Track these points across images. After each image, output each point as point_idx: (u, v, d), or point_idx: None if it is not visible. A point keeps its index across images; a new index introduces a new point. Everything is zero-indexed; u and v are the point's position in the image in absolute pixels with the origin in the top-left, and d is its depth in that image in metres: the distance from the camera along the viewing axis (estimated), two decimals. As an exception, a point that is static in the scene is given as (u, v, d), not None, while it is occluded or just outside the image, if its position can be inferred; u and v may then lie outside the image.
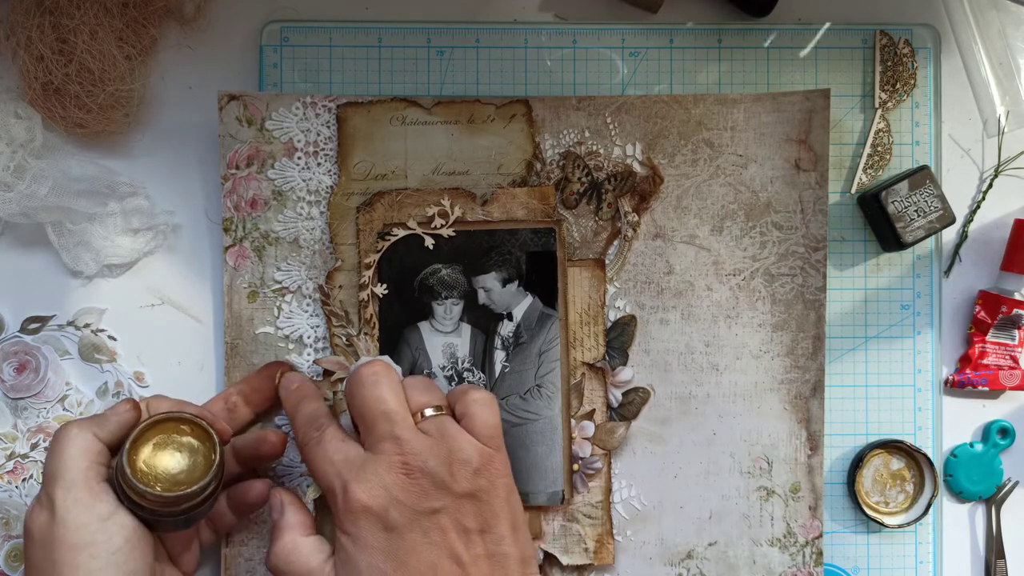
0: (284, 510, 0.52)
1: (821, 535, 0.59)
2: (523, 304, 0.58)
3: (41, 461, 0.59)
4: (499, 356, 0.58)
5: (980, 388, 0.62)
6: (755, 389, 0.59)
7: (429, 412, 0.49)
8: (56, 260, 0.59)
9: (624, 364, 0.59)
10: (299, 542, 0.50)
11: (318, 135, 0.58)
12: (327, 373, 0.58)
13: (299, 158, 0.58)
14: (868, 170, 0.62)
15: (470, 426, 0.49)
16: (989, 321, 0.62)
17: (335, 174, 0.58)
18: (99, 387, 0.60)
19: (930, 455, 0.61)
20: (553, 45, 0.61)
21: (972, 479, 0.62)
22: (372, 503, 0.47)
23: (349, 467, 0.48)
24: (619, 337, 0.59)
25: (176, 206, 0.60)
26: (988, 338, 0.62)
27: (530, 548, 0.50)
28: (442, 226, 0.58)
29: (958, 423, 0.63)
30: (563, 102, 0.59)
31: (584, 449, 0.58)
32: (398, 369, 0.52)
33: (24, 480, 0.59)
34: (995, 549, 0.62)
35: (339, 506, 0.48)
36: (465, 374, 0.58)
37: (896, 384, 0.62)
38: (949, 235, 0.63)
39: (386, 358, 0.57)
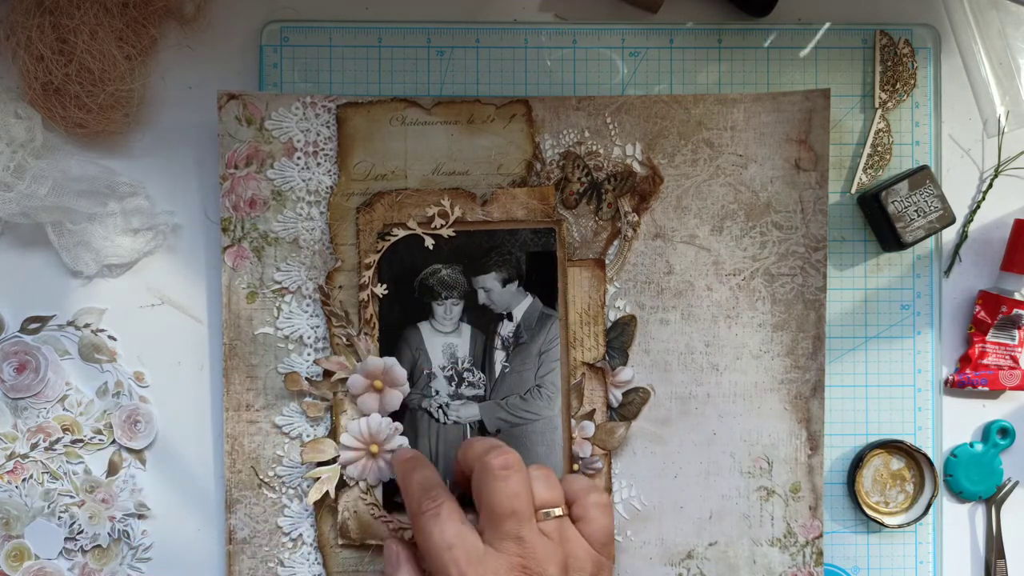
0: (399, 566, 0.52)
1: (821, 535, 0.59)
2: (523, 304, 0.58)
3: (42, 461, 0.59)
4: (499, 356, 0.58)
5: (980, 388, 0.62)
6: (755, 389, 0.59)
7: (555, 511, 0.49)
8: (56, 260, 0.59)
9: (624, 364, 0.59)
10: None
11: (318, 135, 0.58)
12: (327, 373, 0.58)
13: (299, 158, 0.58)
14: (868, 170, 0.62)
15: (587, 530, 0.49)
16: (989, 321, 0.62)
17: (335, 174, 0.58)
18: (99, 387, 0.60)
19: (930, 455, 0.61)
20: (553, 45, 0.61)
21: (972, 479, 0.62)
22: None
23: (468, 559, 0.47)
24: (619, 337, 0.59)
25: (176, 206, 0.60)
26: (988, 338, 0.62)
27: None
28: (442, 226, 0.58)
29: (958, 423, 0.63)
30: (563, 102, 0.59)
31: (584, 449, 0.58)
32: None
33: (24, 480, 0.59)
34: (995, 549, 0.62)
35: None
36: (465, 374, 0.58)
37: (896, 384, 0.62)
38: (949, 235, 0.63)
39: (391, 360, 0.57)
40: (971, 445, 0.62)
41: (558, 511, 0.49)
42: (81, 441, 0.59)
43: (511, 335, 0.58)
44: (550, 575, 0.47)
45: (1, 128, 0.56)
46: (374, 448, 0.57)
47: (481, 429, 0.58)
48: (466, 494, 0.52)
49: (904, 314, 0.62)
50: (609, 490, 0.58)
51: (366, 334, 0.57)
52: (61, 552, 0.59)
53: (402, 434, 0.57)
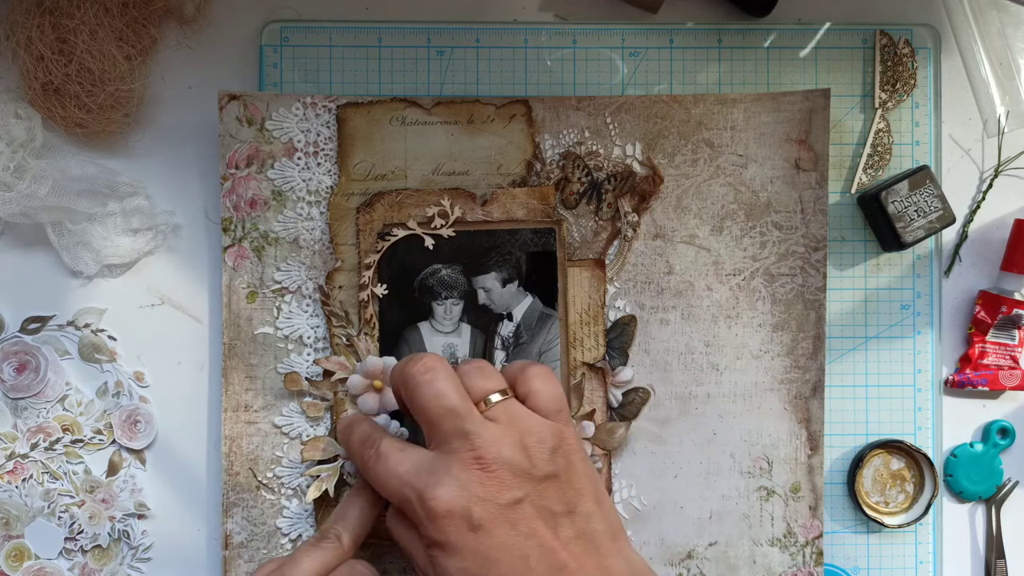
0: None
1: (821, 535, 0.59)
2: (523, 304, 0.58)
3: (42, 461, 0.59)
4: (499, 356, 0.58)
5: (980, 388, 0.62)
6: (755, 389, 0.59)
7: (495, 398, 0.47)
8: (56, 260, 0.59)
9: (624, 364, 0.59)
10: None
11: (318, 135, 0.58)
12: (327, 373, 0.58)
13: (299, 158, 0.58)
14: (868, 170, 0.62)
15: (535, 404, 0.48)
16: (989, 321, 0.62)
17: (335, 174, 0.58)
18: (99, 387, 0.60)
19: (930, 455, 0.61)
20: (553, 45, 0.61)
21: (972, 479, 0.62)
22: (453, 505, 0.45)
23: (418, 474, 0.46)
24: (619, 337, 0.59)
25: (176, 206, 0.60)
26: (988, 338, 0.62)
27: (616, 519, 0.48)
28: (442, 226, 0.58)
29: (958, 423, 0.63)
30: (563, 102, 0.59)
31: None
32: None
33: (24, 480, 0.59)
34: (995, 549, 0.62)
35: (419, 516, 0.45)
36: (465, 374, 0.58)
37: (896, 384, 0.62)
38: (949, 235, 0.63)
39: (391, 359, 0.57)
40: (971, 445, 0.62)
41: (497, 396, 0.47)
42: (81, 441, 0.59)
43: (511, 335, 0.58)
44: (506, 456, 0.45)
45: (1, 128, 0.56)
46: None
47: (481, 429, 0.58)
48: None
49: (904, 314, 0.62)
50: (609, 490, 0.58)
51: (366, 334, 0.57)
52: (61, 552, 0.59)
53: (405, 440, 0.57)
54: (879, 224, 0.60)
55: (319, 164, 0.58)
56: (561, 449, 0.47)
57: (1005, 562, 0.62)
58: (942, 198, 0.59)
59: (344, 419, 0.55)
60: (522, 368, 0.49)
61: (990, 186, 0.63)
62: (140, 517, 0.60)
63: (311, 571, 0.47)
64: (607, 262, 0.59)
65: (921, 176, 0.59)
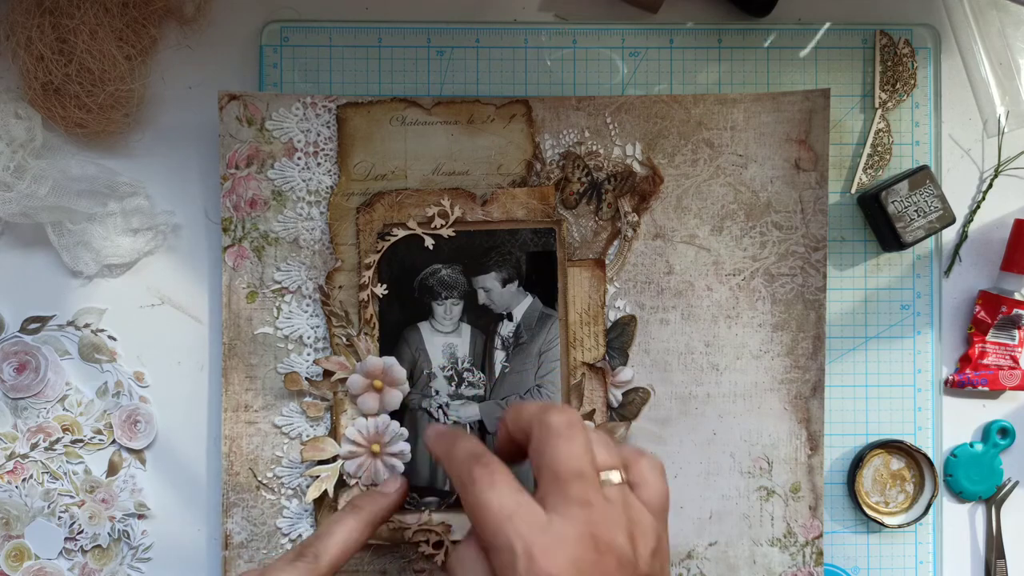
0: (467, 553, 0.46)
1: (821, 535, 0.59)
2: (523, 304, 0.58)
3: (42, 461, 0.59)
4: (499, 356, 0.58)
5: (980, 388, 0.62)
6: (755, 389, 0.59)
7: (613, 478, 0.44)
8: (56, 260, 0.59)
9: (624, 364, 0.59)
10: (482, 557, 0.44)
11: (318, 135, 0.58)
12: (327, 373, 0.58)
13: (299, 158, 0.58)
14: (868, 170, 0.62)
15: (645, 496, 0.45)
16: (989, 321, 0.62)
17: (335, 174, 0.58)
18: (99, 387, 0.60)
19: (930, 455, 0.61)
20: (553, 45, 0.61)
21: (972, 479, 0.62)
22: (560, 575, 0.41)
23: (532, 529, 0.42)
24: (619, 337, 0.59)
25: (176, 206, 0.60)
26: (988, 338, 0.62)
27: None
28: (442, 226, 0.58)
29: (958, 423, 0.63)
30: (563, 102, 0.59)
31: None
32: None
33: (24, 480, 0.59)
34: (995, 549, 0.62)
35: (519, 570, 0.41)
36: (465, 374, 0.58)
37: (896, 384, 0.62)
38: (949, 235, 0.63)
39: (391, 359, 0.57)
40: (971, 445, 0.62)
41: (617, 477, 0.44)
42: (81, 441, 0.59)
43: (511, 335, 0.58)
44: (619, 544, 0.42)
45: (1, 128, 0.56)
46: (375, 448, 0.57)
47: (481, 429, 0.58)
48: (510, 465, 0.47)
49: (904, 314, 0.62)
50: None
51: (366, 334, 0.57)
52: (61, 552, 0.59)
53: (405, 440, 0.57)
54: (879, 224, 0.60)
55: (319, 164, 0.58)
56: (659, 552, 0.44)
57: (1005, 562, 0.62)
58: (942, 198, 0.59)
59: (444, 427, 0.52)
60: (638, 455, 0.46)
61: (990, 186, 0.63)
62: (140, 517, 0.60)
63: None
64: (607, 262, 0.59)
65: (921, 176, 0.59)
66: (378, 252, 0.57)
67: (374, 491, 0.52)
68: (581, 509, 0.42)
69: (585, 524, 0.42)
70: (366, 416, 0.57)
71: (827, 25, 0.62)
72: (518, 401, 0.50)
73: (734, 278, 0.59)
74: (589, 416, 0.58)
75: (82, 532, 0.59)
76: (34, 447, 0.59)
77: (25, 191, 0.56)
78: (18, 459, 0.59)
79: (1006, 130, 0.62)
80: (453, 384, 0.58)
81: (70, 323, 0.60)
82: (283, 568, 0.46)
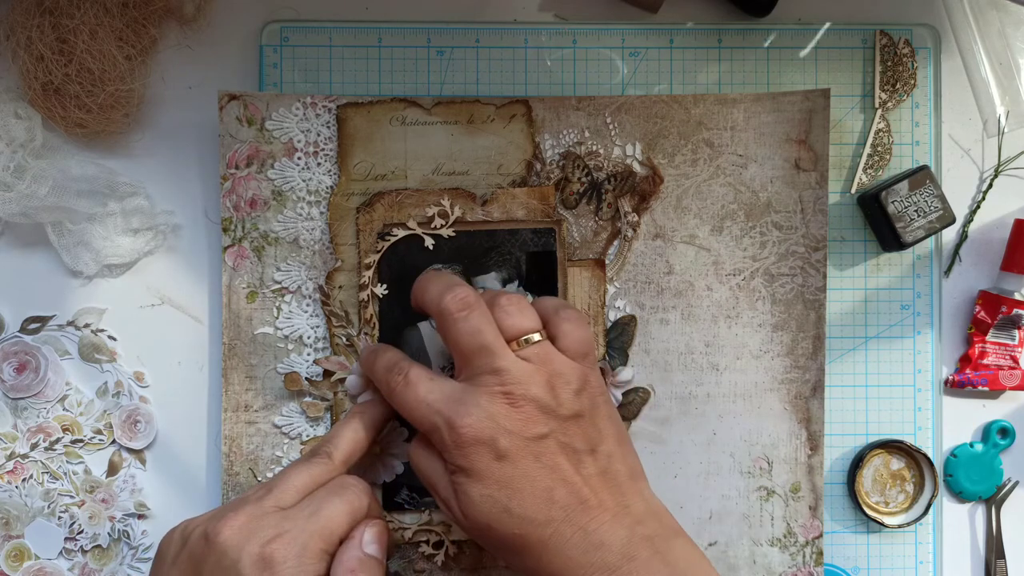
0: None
1: (821, 535, 0.59)
2: (523, 304, 0.58)
3: (42, 461, 0.59)
4: (499, 356, 0.58)
5: (980, 388, 0.62)
6: (755, 389, 0.59)
7: (533, 338, 0.49)
8: (56, 260, 0.59)
9: (624, 364, 0.59)
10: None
11: (318, 135, 0.58)
12: (327, 373, 0.58)
13: (299, 158, 0.58)
14: (868, 170, 0.62)
15: (565, 346, 0.49)
16: (989, 321, 0.62)
17: (335, 174, 0.58)
18: (99, 387, 0.60)
19: (930, 455, 0.61)
20: (553, 45, 0.61)
21: (972, 479, 0.62)
22: (481, 433, 0.46)
23: (448, 402, 0.47)
24: (619, 337, 0.59)
25: (176, 206, 0.60)
26: (988, 338, 0.62)
27: (637, 462, 0.50)
28: (442, 226, 0.58)
29: (958, 423, 0.63)
30: (563, 102, 0.59)
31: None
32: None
33: (24, 480, 0.59)
34: (995, 549, 0.62)
35: (447, 442, 0.47)
36: (465, 374, 0.58)
37: (896, 384, 0.62)
38: (949, 235, 0.63)
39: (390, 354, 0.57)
40: (971, 445, 0.62)
41: (536, 336, 0.49)
42: (81, 441, 0.59)
43: (511, 335, 0.58)
44: (534, 394, 0.47)
45: (1, 128, 0.56)
46: (375, 448, 0.57)
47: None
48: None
49: (904, 314, 0.62)
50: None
51: (366, 334, 0.57)
52: (61, 552, 0.59)
53: (405, 440, 0.57)
54: (879, 224, 0.60)
55: (319, 164, 0.58)
56: (586, 391, 0.49)
57: (1005, 562, 0.62)
58: (942, 198, 0.59)
59: (367, 347, 0.56)
60: (555, 309, 0.51)
61: (990, 186, 0.63)
62: (140, 517, 0.60)
63: (300, 486, 0.48)
64: (607, 262, 0.59)
65: (921, 176, 0.59)
66: (378, 252, 0.57)
67: (373, 399, 0.55)
68: (490, 376, 0.47)
69: (497, 385, 0.47)
70: (366, 416, 0.57)
71: (827, 25, 0.62)
72: (423, 277, 0.53)
73: (734, 278, 0.59)
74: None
75: (82, 532, 0.59)
76: (34, 447, 0.59)
77: (25, 191, 0.56)
78: (18, 459, 0.59)
79: (1006, 130, 0.62)
80: (453, 384, 0.58)
81: (70, 323, 0.60)
82: (297, 467, 0.49)
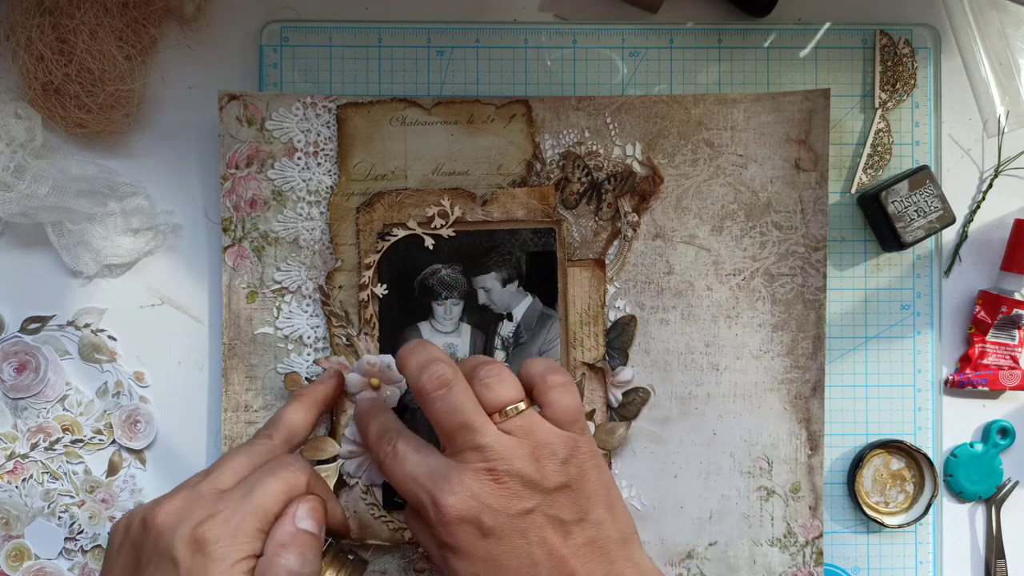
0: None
1: (821, 535, 0.59)
2: (523, 304, 0.58)
3: (42, 461, 0.59)
4: (499, 356, 0.58)
5: (980, 388, 0.62)
6: (755, 389, 0.59)
7: (516, 408, 0.48)
8: (56, 260, 0.59)
9: (624, 364, 0.59)
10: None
11: (318, 135, 0.58)
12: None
13: (299, 158, 0.58)
14: (868, 170, 0.62)
15: (552, 415, 0.48)
16: (989, 321, 0.62)
17: (335, 174, 0.58)
18: (99, 387, 0.60)
19: (930, 455, 0.61)
20: (553, 45, 0.61)
21: (972, 479, 0.62)
22: (464, 513, 0.46)
23: (433, 480, 0.47)
24: (619, 337, 0.59)
25: (176, 206, 0.60)
26: (988, 338, 0.62)
27: (629, 524, 0.49)
28: (442, 226, 0.58)
29: (958, 423, 0.63)
30: (563, 102, 0.59)
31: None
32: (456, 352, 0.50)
33: (24, 480, 0.59)
34: (995, 549, 0.62)
35: (432, 520, 0.47)
36: (465, 374, 0.58)
37: (896, 384, 0.62)
38: (949, 235, 0.63)
39: (388, 357, 0.57)
40: (971, 445, 0.62)
41: (521, 406, 0.48)
42: (81, 441, 0.59)
43: (511, 335, 0.58)
44: (517, 469, 0.46)
45: (1, 128, 0.56)
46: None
47: (481, 429, 0.58)
48: None
49: (904, 314, 0.62)
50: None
51: (366, 334, 0.57)
52: (61, 552, 0.59)
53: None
54: (879, 224, 0.60)
55: (319, 164, 0.58)
56: (574, 459, 0.48)
57: (1005, 562, 0.62)
58: (942, 198, 0.59)
59: (364, 402, 0.55)
60: (542, 376, 0.49)
61: (990, 186, 0.63)
62: (140, 517, 0.60)
63: (238, 468, 0.48)
64: (607, 262, 0.59)
65: (921, 176, 0.59)
66: (378, 252, 0.57)
67: (315, 381, 0.57)
68: (473, 452, 0.47)
69: (481, 462, 0.46)
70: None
71: (827, 25, 0.62)
72: (407, 346, 0.52)
73: (734, 278, 0.59)
74: (589, 416, 0.58)
75: (82, 532, 0.59)
76: (34, 447, 0.59)
77: (25, 191, 0.56)
78: (18, 459, 0.59)
79: (1006, 130, 0.62)
80: (453, 384, 0.58)
81: (70, 323, 0.60)
82: (241, 449, 0.50)
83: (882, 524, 0.61)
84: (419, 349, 0.51)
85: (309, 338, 0.58)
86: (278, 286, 0.58)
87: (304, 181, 0.58)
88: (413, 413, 0.58)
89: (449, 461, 0.48)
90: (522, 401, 0.49)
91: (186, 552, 0.43)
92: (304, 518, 0.46)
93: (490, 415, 0.48)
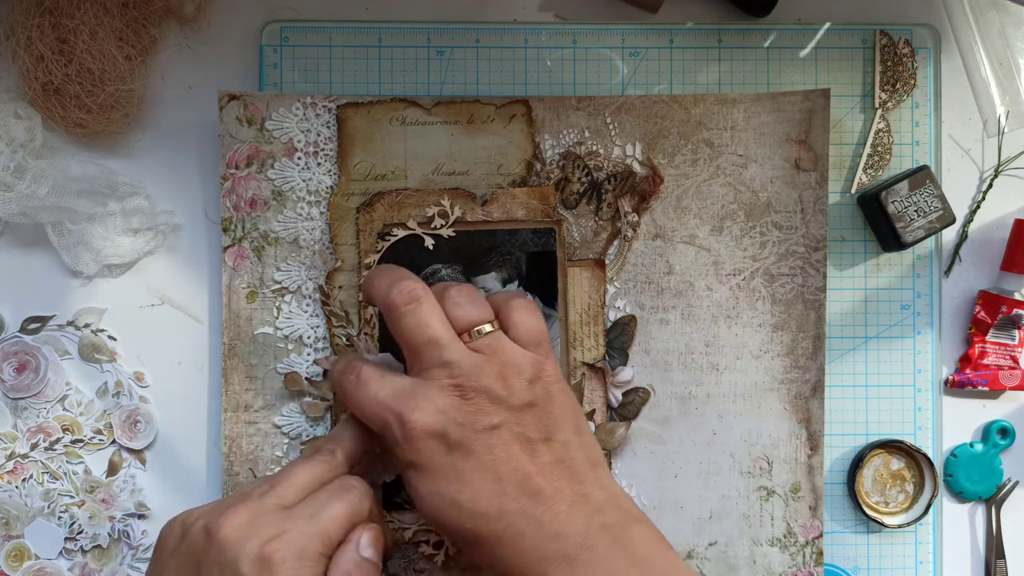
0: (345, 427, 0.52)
1: (821, 535, 0.59)
2: (523, 304, 0.58)
3: (42, 461, 0.59)
4: (499, 356, 0.58)
5: (980, 388, 0.62)
6: (755, 389, 0.59)
7: (484, 328, 0.48)
8: (56, 260, 0.59)
9: (624, 364, 0.59)
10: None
11: (318, 135, 0.58)
12: (327, 373, 0.58)
13: (299, 158, 0.58)
14: (868, 170, 0.62)
15: (517, 335, 0.48)
16: (989, 321, 0.62)
17: (335, 174, 0.58)
18: (99, 387, 0.60)
19: (930, 455, 0.61)
20: (553, 45, 0.61)
21: (972, 479, 0.62)
22: (430, 426, 0.46)
23: (398, 398, 0.47)
24: (619, 337, 0.59)
25: (176, 206, 0.60)
26: (988, 338, 0.62)
27: (597, 451, 0.49)
28: (442, 226, 0.58)
29: (958, 423, 0.63)
30: (563, 102, 0.59)
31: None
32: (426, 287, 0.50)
33: (24, 480, 0.59)
34: (995, 549, 0.62)
35: (398, 437, 0.47)
36: (465, 374, 0.58)
37: (896, 384, 0.62)
38: (949, 235, 0.63)
39: (387, 356, 0.57)
40: (971, 445, 0.62)
41: (487, 327, 0.48)
42: (81, 441, 0.59)
43: (511, 335, 0.58)
44: (484, 385, 0.46)
45: (1, 128, 0.56)
46: (376, 447, 0.57)
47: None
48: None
49: (904, 314, 0.62)
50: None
51: (366, 334, 0.57)
52: (61, 552, 0.59)
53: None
54: (879, 224, 0.60)
55: (319, 164, 0.58)
56: (540, 380, 0.48)
57: (1005, 562, 0.62)
58: (942, 198, 0.59)
59: (323, 361, 0.57)
60: (506, 299, 0.50)
61: (990, 186, 0.63)
62: (140, 517, 0.60)
63: (303, 484, 0.48)
64: (607, 262, 0.59)
65: (921, 176, 0.59)
66: (378, 252, 0.57)
67: None
68: (439, 369, 0.47)
69: (447, 378, 0.47)
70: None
71: (827, 25, 0.62)
72: (374, 271, 0.52)
73: (734, 278, 0.59)
74: (589, 416, 0.58)
75: (82, 532, 0.59)
76: (34, 447, 0.59)
77: (25, 191, 0.56)
78: (18, 459, 0.59)
79: (1006, 130, 0.62)
80: (453, 384, 0.58)
81: (70, 323, 0.60)
82: (301, 464, 0.49)
83: (882, 524, 0.61)
84: (388, 270, 0.51)
85: (309, 338, 0.58)
86: (278, 286, 0.58)
87: (304, 181, 0.58)
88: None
89: (415, 380, 0.48)
90: (490, 322, 0.48)
91: (252, 569, 0.43)
92: (368, 547, 0.46)
93: (459, 334, 0.48)
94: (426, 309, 0.48)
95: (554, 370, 0.49)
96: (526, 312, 0.49)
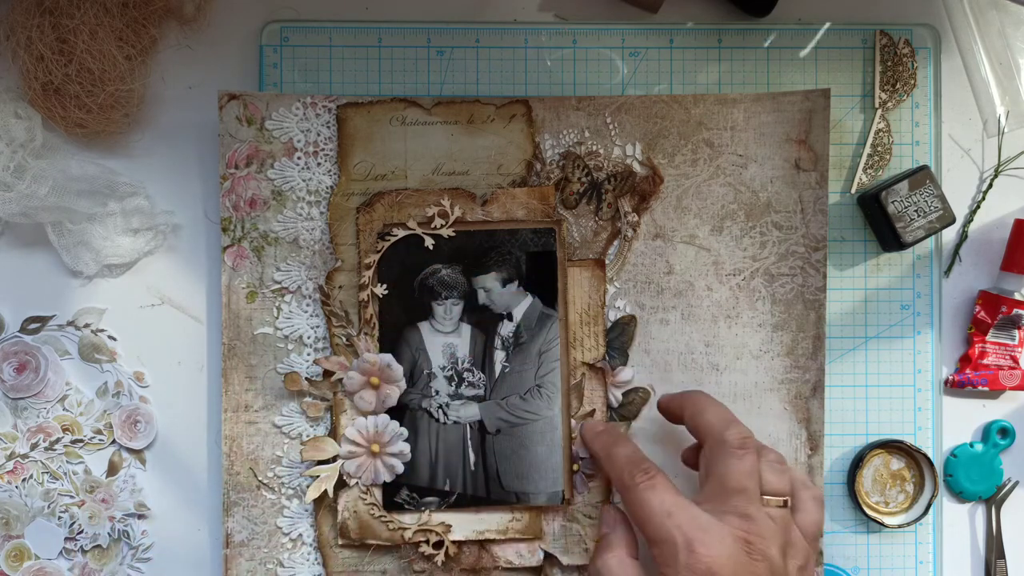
0: (616, 527, 0.53)
1: (821, 535, 0.59)
2: (523, 304, 0.58)
3: (42, 461, 0.59)
4: (499, 356, 0.58)
5: (980, 388, 0.62)
6: (755, 389, 0.59)
7: (779, 500, 0.50)
8: (56, 260, 0.59)
9: (624, 364, 0.59)
10: (626, 562, 0.51)
11: (318, 135, 0.58)
12: (327, 373, 0.58)
13: (299, 158, 0.58)
14: (868, 170, 0.62)
15: (802, 521, 0.51)
16: (989, 321, 0.62)
17: (335, 174, 0.58)
18: (99, 387, 0.60)
19: (930, 455, 0.61)
20: (553, 45, 0.61)
21: (972, 479, 0.62)
22: (718, 568, 0.47)
23: (692, 525, 0.48)
24: (619, 337, 0.59)
25: (176, 206, 0.60)
26: (988, 338, 0.62)
27: None
28: (442, 226, 0.58)
29: (958, 423, 0.63)
30: (563, 102, 0.59)
31: (584, 449, 0.58)
32: None
33: (24, 480, 0.59)
34: (995, 549, 0.62)
35: (679, 561, 0.47)
36: (465, 374, 0.58)
37: (896, 384, 0.62)
38: (949, 235, 0.63)
39: (387, 356, 0.57)
40: (971, 445, 0.62)
41: (784, 501, 0.50)
42: (81, 441, 0.59)
43: (511, 335, 0.58)
44: (771, 555, 0.48)
45: (1, 128, 0.56)
46: (375, 447, 0.57)
47: (481, 429, 0.58)
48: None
49: (904, 314, 0.62)
50: (609, 490, 0.58)
51: (366, 334, 0.57)
52: (61, 552, 0.59)
53: (404, 440, 0.57)
54: (879, 224, 0.60)
55: (319, 164, 0.58)
56: (806, 570, 0.50)
57: (1005, 562, 0.62)
58: (942, 198, 0.59)
59: (599, 424, 0.57)
60: (803, 483, 0.53)
61: (990, 186, 0.63)
62: (140, 517, 0.60)
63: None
64: (607, 262, 0.59)
65: (921, 176, 0.59)
66: (378, 252, 0.57)
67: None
68: (739, 519, 0.48)
69: (742, 531, 0.48)
70: (365, 415, 0.57)
71: (827, 25, 0.62)
72: (701, 395, 0.55)
73: (734, 278, 0.59)
74: (589, 416, 0.58)
75: (82, 532, 0.59)
76: (34, 447, 0.59)
77: (25, 191, 0.56)
78: (18, 459, 0.59)
79: (1006, 130, 0.62)
80: (453, 384, 0.58)
81: (70, 323, 0.60)
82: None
83: (882, 524, 0.61)
84: (718, 404, 0.53)
85: (309, 338, 0.58)
86: (278, 286, 0.58)
87: (304, 181, 0.58)
88: (414, 413, 0.58)
89: (711, 516, 0.49)
90: (787, 498, 0.51)
91: None
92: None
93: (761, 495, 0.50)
94: (753, 460, 0.50)
95: (814, 570, 0.51)
96: (818, 504, 0.52)
